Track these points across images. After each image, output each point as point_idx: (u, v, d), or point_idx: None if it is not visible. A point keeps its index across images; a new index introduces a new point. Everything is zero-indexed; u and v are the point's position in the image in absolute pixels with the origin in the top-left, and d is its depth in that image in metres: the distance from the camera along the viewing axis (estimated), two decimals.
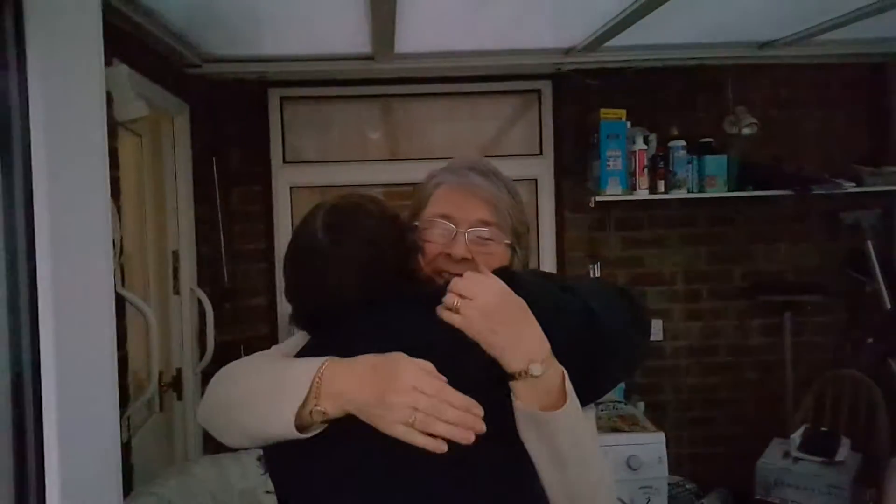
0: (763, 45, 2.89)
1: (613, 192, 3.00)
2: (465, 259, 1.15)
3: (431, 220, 1.19)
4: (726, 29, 2.71)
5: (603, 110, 3.00)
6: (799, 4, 2.39)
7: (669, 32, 2.65)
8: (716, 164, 3.10)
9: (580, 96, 3.18)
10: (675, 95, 3.25)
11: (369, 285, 1.09)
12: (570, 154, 3.25)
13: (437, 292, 1.05)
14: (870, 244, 3.17)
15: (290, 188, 3.29)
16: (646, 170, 3.03)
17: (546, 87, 3.31)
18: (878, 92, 3.31)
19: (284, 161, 3.29)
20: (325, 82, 3.19)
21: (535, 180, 3.35)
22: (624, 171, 2.99)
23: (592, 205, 3.10)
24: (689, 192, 3.09)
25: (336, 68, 2.92)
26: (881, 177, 3.14)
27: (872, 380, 2.83)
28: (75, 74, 1.09)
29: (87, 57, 1.09)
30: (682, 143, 3.08)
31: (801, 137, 3.30)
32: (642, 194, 3.04)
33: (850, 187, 3.10)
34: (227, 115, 3.15)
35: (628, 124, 3.01)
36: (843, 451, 2.77)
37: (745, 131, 3.11)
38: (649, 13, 2.24)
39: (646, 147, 3.04)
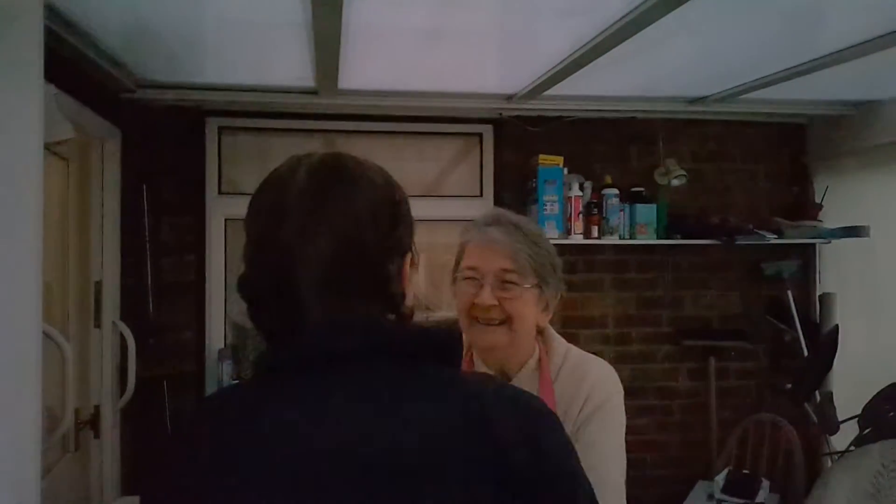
0: (693, 100, 3.04)
1: (550, 235, 3.01)
2: (492, 305, 1.28)
3: (462, 273, 1.33)
4: (659, 84, 2.83)
5: (541, 156, 3.07)
6: (728, 64, 2.53)
7: (605, 85, 2.75)
8: (646, 212, 3.21)
9: (520, 142, 3.24)
10: (610, 145, 3.35)
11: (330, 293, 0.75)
12: (510, 197, 3.29)
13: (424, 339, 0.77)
14: (789, 293, 3.33)
15: (225, 220, 3.20)
16: (581, 215, 3.11)
17: (487, 132, 3.36)
18: (799, 149, 3.50)
19: (220, 192, 3.20)
20: (266, 114, 3.14)
21: None
22: (560, 215, 3.06)
23: None
24: (620, 238, 3.18)
25: (278, 101, 2.90)
26: (800, 229, 3.30)
27: (790, 424, 2.94)
28: (10, 99, 1.03)
29: (25, 82, 1.04)
30: (616, 191, 3.18)
31: (727, 190, 3.45)
32: (577, 239, 3.10)
33: (772, 239, 3.24)
34: (161, 143, 3.04)
35: (565, 171, 3.09)
36: (763, 493, 2.85)
37: (675, 182, 3.23)
38: (586, 65, 2.33)
39: (581, 193, 3.12)
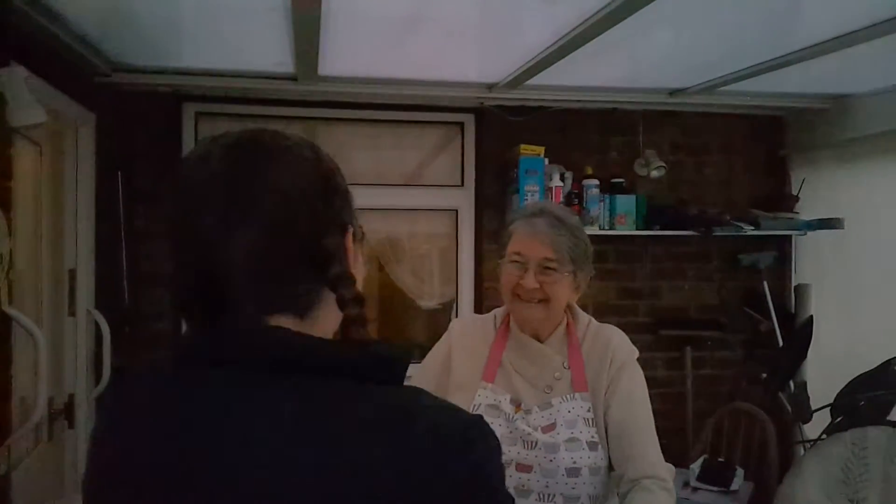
0: (673, 92, 3.05)
1: None
2: (534, 288, 1.46)
3: (509, 256, 1.50)
4: (640, 75, 2.84)
5: (522, 146, 3.08)
6: (707, 56, 2.54)
7: (587, 75, 2.76)
8: (626, 203, 3.23)
9: (502, 131, 3.24)
10: (591, 135, 3.36)
11: (261, 268, 0.67)
12: (491, 186, 3.30)
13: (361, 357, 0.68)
14: (765, 284, 3.37)
15: None
16: (561, 205, 3.12)
17: (469, 121, 3.35)
18: (776, 142, 3.54)
19: None
20: (244, 100, 3.10)
21: (456, 211, 3.38)
22: None
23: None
24: (600, 228, 3.20)
25: (257, 87, 2.86)
26: (776, 221, 3.34)
27: (765, 413, 2.98)
28: None
29: None
30: (596, 181, 3.19)
31: (705, 181, 3.48)
32: None
33: (749, 230, 3.27)
34: (136, 128, 3.00)
35: (546, 161, 3.09)
36: (738, 481, 2.89)
37: (654, 174, 3.25)
38: (568, 55, 2.33)
39: (562, 184, 3.13)
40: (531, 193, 3.04)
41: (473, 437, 0.66)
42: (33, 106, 1.93)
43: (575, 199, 3.16)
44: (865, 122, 3.01)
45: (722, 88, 2.91)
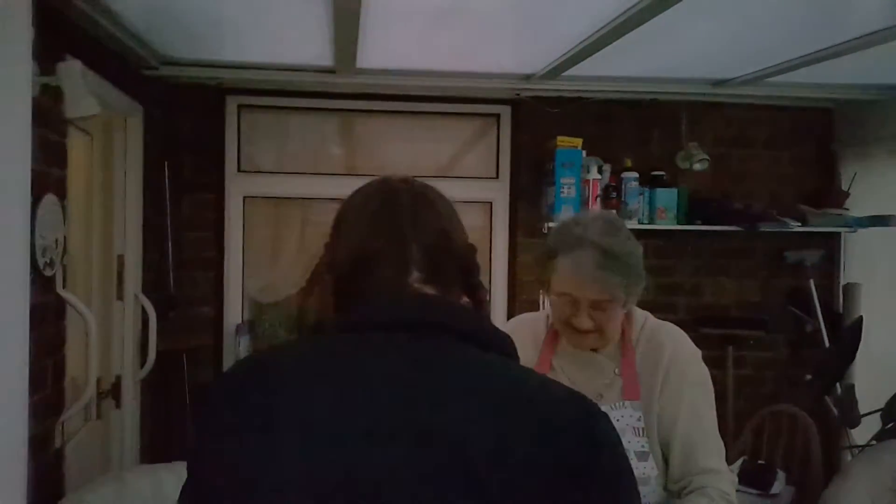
0: (717, 83, 2.98)
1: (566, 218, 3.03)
2: (588, 330, 1.38)
3: (556, 293, 1.40)
4: (682, 66, 2.78)
5: (559, 138, 3.04)
6: (753, 46, 2.48)
7: (627, 66, 2.72)
8: (667, 196, 3.17)
9: (538, 123, 3.22)
10: (631, 127, 3.31)
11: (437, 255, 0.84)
12: (526, 179, 3.28)
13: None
14: (812, 283, 3.27)
15: (244, 198, 3.24)
16: (598, 199, 3.08)
17: (505, 112, 3.34)
18: (825, 136, 3.43)
19: (239, 170, 3.24)
20: (284, 93, 3.16)
21: (491, 203, 3.37)
22: (577, 198, 3.03)
23: (545, 230, 3.13)
24: (639, 222, 3.14)
25: (297, 79, 2.91)
26: (824, 218, 3.23)
27: (809, 415, 2.90)
28: None
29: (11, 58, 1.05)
30: (635, 174, 3.14)
31: (750, 175, 3.40)
32: None
33: (796, 226, 3.18)
34: (182, 120, 3.10)
35: (583, 153, 3.05)
36: (779, 485, 2.82)
37: (697, 167, 3.19)
38: (608, 45, 2.30)
39: (600, 176, 3.09)
40: (567, 186, 3.01)
41: (595, 423, 0.73)
42: (87, 98, 2.00)
43: (613, 192, 3.12)
44: None
45: (768, 80, 2.83)
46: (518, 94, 3.15)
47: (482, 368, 0.75)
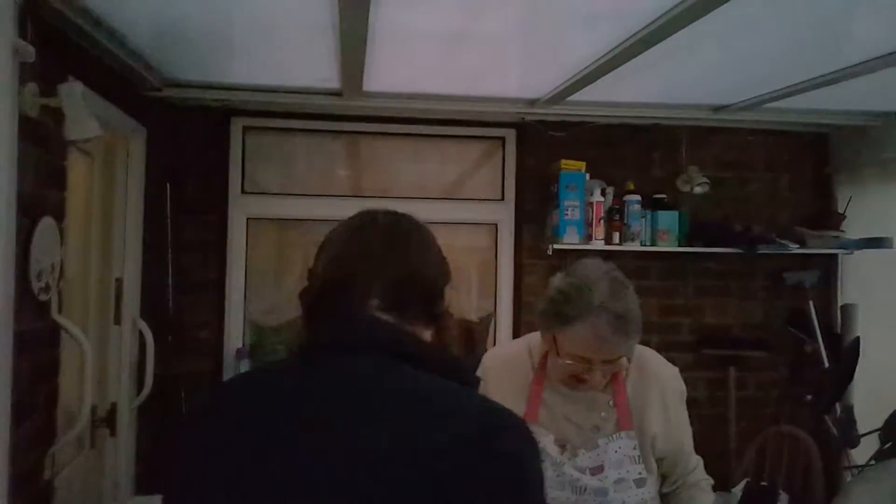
0: (717, 108, 3.02)
1: (571, 240, 3.04)
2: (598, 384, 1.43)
3: (566, 356, 1.40)
4: (683, 91, 2.82)
5: (563, 161, 3.07)
6: (751, 73, 2.51)
7: (629, 91, 2.74)
8: (668, 219, 3.20)
9: (543, 146, 3.24)
10: (633, 151, 3.34)
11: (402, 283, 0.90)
12: (531, 201, 3.29)
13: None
14: (811, 304, 3.29)
15: (248, 219, 3.22)
16: (602, 221, 3.10)
17: (510, 135, 3.36)
18: (822, 159, 3.48)
19: (243, 191, 3.22)
20: (290, 114, 3.15)
21: (496, 225, 3.38)
22: (581, 221, 3.05)
23: (550, 252, 3.13)
24: (642, 244, 3.16)
25: (303, 101, 2.91)
26: (822, 239, 3.28)
27: (810, 436, 2.90)
28: None
29: None
30: (638, 197, 3.17)
31: (750, 198, 3.44)
32: (598, 245, 3.09)
33: (795, 248, 3.22)
34: (185, 142, 3.07)
35: (587, 176, 3.08)
36: None
37: (697, 190, 3.22)
38: (611, 71, 2.32)
39: (603, 199, 3.11)
40: (571, 209, 3.03)
41: (513, 437, 0.79)
42: (89, 120, 1.96)
43: (616, 214, 3.14)
44: None
45: (767, 105, 2.87)
46: (523, 118, 3.17)
47: (408, 385, 0.81)
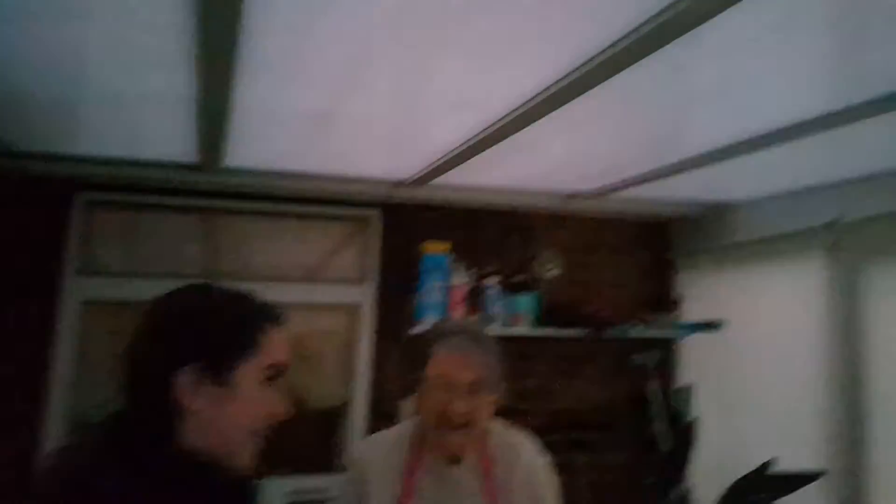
0: (569, 196, 3.21)
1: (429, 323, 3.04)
2: (464, 413, 1.45)
3: (432, 380, 1.47)
4: (537, 179, 2.98)
5: (427, 243, 3.10)
6: (597, 165, 2.70)
7: (490, 176, 2.86)
8: (524, 302, 3.28)
9: (408, 226, 3.26)
10: (495, 233, 3.44)
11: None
12: (395, 282, 3.26)
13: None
14: (653, 385, 3.44)
15: (82, 303, 2.90)
16: (463, 303, 3.13)
17: (375, 216, 3.34)
18: (663, 245, 3.74)
19: (78, 273, 2.92)
20: (141, 189, 2.96)
21: (358, 306, 3.31)
22: (442, 303, 3.06)
23: (405, 338, 3.10)
24: (500, 326, 3.19)
25: (157, 175, 2.76)
26: (661, 323, 3.46)
27: None
28: None
29: None
30: (497, 279, 3.24)
31: (599, 282, 3.61)
32: None
33: (635, 332, 3.37)
34: (19, 217, 2.78)
35: (452, 257, 3.12)
36: None
37: (549, 273, 3.36)
38: (472, 158, 2.42)
39: (466, 279, 3.16)
40: (433, 291, 3.05)
41: None
42: None
43: (476, 297, 3.19)
44: (738, 229, 3.23)
45: (612, 195, 3.09)
46: (389, 199, 3.19)
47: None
